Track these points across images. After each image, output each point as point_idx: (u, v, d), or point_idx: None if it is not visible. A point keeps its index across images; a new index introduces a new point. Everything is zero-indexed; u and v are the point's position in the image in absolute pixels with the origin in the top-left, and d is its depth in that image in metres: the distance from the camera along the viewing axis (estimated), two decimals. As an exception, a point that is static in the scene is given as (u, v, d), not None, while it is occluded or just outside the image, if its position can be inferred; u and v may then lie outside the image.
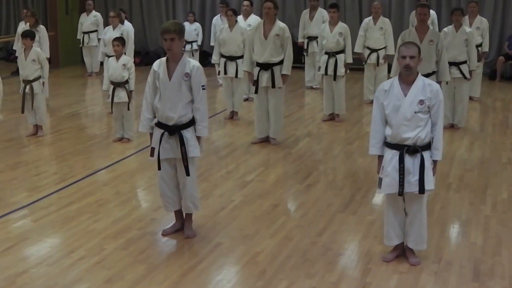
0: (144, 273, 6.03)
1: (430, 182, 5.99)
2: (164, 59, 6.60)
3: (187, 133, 6.56)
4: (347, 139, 11.09)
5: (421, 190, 5.97)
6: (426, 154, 5.97)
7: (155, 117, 6.69)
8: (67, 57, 20.43)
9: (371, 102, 13.36)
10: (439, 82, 9.58)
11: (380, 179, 6.12)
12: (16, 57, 11.78)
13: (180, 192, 6.79)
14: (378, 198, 8.18)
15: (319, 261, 6.29)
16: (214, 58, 12.72)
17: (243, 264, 6.24)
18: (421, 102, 5.90)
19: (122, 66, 10.70)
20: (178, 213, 6.99)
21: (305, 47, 15.68)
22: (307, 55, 15.78)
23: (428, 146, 6.00)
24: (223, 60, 12.42)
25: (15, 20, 21.76)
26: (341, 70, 11.98)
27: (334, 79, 12.02)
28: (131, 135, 10.77)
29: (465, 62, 11.54)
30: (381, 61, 13.85)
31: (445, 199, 8.09)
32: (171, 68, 6.50)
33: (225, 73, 12.38)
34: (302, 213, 7.60)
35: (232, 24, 12.51)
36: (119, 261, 6.27)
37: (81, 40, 18.50)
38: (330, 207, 7.77)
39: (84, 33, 18.46)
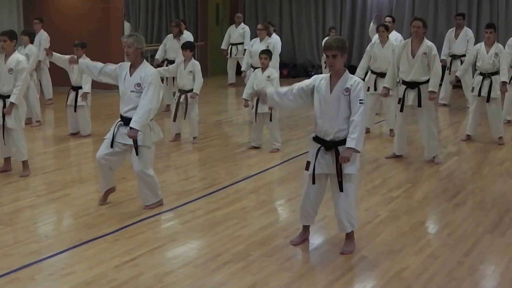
0: (288, 281, 6.06)
1: None
2: (328, 75, 6.54)
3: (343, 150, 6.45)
4: (497, 160, 10.79)
5: None
6: None
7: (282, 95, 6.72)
8: (216, 66, 20.86)
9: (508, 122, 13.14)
10: None
11: None
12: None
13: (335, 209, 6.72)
14: (529, 220, 7.97)
15: (465, 282, 6.13)
16: (359, 73, 12.55)
17: (387, 279, 6.16)
18: None
19: (266, 78, 10.85)
20: (307, 227, 7.00)
21: (448, 65, 15.40)
22: (449, 74, 15.49)
23: None
24: (373, 76, 12.30)
25: (166, 30, 22.38)
26: (496, 92, 11.59)
27: (487, 101, 11.64)
28: (278, 145, 10.91)
29: None
30: None
31: None
32: (333, 84, 6.45)
33: (375, 89, 12.18)
34: (448, 231, 7.44)
35: (384, 40, 12.34)
36: (264, 268, 6.32)
37: (229, 51, 18.86)
38: (478, 227, 7.57)
39: (232, 44, 18.84)
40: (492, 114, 11.73)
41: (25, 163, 9.44)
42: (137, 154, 7.69)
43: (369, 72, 12.44)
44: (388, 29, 12.59)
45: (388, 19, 14.85)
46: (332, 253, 6.74)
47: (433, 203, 8.58)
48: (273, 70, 11.19)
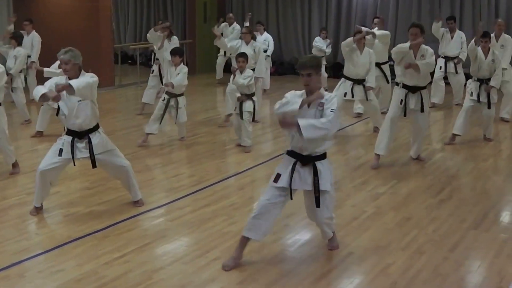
0: (276, 277, 6.14)
1: None
2: (303, 92, 6.30)
3: (321, 165, 6.32)
4: (481, 156, 10.90)
5: None
6: None
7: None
8: (204, 64, 20.89)
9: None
10: None
11: None
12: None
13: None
14: (512, 216, 8.08)
15: (451, 277, 6.23)
16: None
17: (374, 274, 6.25)
18: None
19: (243, 79, 11.00)
20: (244, 243, 6.47)
21: (442, 66, 15.44)
22: (444, 76, 15.56)
23: None
24: (349, 83, 11.94)
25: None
26: (494, 97, 11.60)
27: (489, 107, 11.58)
28: (249, 142, 11.07)
29: None
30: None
31: None
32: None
33: (352, 96, 11.92)
34: (434, 227, 7.54)
35: (361, 48, 12.04)
36: (252, 264, 6.40)
37: (221, 51, 18.88)
38: (463, 223, 7.68)
39: (226, 43, 18.92)
40: (490, 117, 11.74)
41: (14, 163, 9.51)
42: (94, 166, 7.72)
43: (343, 78, 12.11)
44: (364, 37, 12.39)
45: (376, 20, 14.83)
46: (320, 249, 6.83)
47: (418, 199, 8.66)
48: (250, 71, 11.27)
